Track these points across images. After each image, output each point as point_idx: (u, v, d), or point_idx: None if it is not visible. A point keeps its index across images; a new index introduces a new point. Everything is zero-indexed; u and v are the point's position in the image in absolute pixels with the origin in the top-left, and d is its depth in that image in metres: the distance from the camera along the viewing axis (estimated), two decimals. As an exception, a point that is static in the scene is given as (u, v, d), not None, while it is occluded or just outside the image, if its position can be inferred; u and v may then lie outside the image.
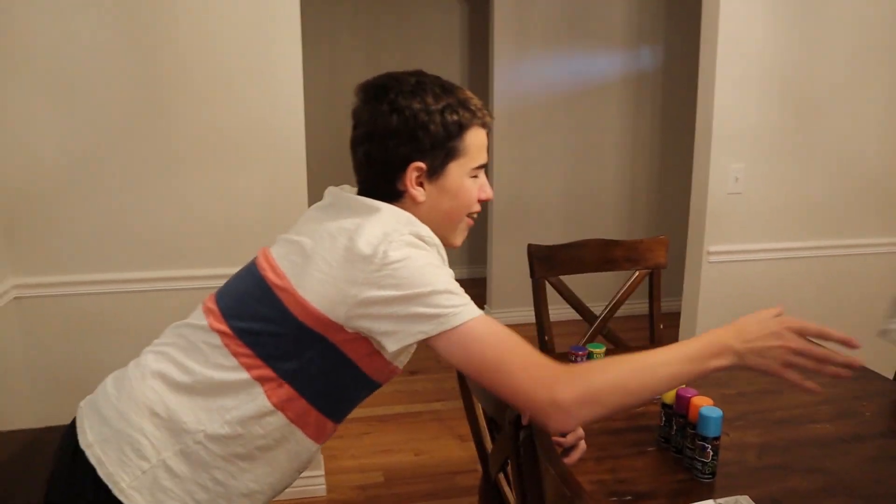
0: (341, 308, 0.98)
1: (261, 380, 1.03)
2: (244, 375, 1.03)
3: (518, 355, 0.97)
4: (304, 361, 1.03)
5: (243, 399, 1.03)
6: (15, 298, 2.08)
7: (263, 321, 1.03)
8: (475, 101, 1.11)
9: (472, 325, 0.97)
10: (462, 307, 0.97)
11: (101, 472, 1.01)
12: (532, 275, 2.14)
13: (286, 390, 1.04)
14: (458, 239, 1.16)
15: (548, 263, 2.16)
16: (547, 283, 2.15)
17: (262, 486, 1.10)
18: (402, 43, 4.76)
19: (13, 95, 1.99)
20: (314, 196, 1.44)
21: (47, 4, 1.96)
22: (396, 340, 0.99)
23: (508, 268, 4.17)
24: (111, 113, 2.06)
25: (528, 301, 2.27)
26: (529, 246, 2.17)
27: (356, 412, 1.26)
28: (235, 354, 1.03)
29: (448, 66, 4.84)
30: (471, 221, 1.16)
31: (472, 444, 1.63)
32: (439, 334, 0.96)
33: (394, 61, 4.70)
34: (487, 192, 1.14)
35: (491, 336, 0.97)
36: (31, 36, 1.97)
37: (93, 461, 1.02)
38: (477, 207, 1.14)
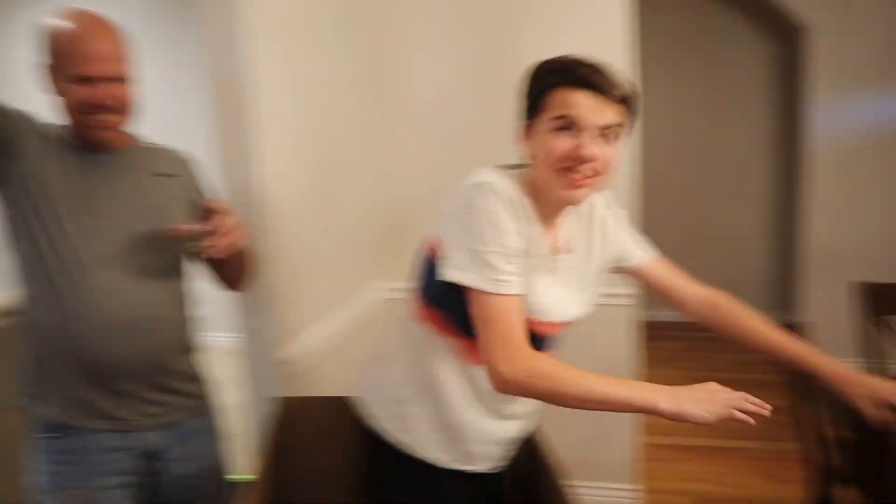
0: None
1: None
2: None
3: (503, 326, 1.13)
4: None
5: None
6: (387, 300, 2.63)
7: None
8: (584, 67, 1.14)
9: (498, 299, 1.13)
10: (498, 279, 1.13)
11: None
12: (868, 315, 2.08)
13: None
14: (564, 193, 1.18)
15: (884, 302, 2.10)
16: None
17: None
18: (707, 82, 4.85)
19: (399, 133, 2.58)
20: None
21: (424, 56, 2.52)
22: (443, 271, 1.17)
23: (827, 312, 3.98)
24: (471, 142, 2.52)
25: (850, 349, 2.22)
26: (863, 284, 2.13)
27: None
28: None
29: (755, 104, 4.80)
30: (574, 178, 1.15)
31: (784, 486, 1.68)
32: (473, 289, 1.15)
33: (698, 101, 4.84)
34: (583, 150, 1.13)
35: (501, 309, 1.13)
36: (413, 83, 2.54)
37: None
38: (564, 162, 1.14)
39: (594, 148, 1.14)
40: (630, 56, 2.32)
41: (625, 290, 2.43)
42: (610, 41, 2.34)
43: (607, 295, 2.39)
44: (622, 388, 1.09)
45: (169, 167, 1.50)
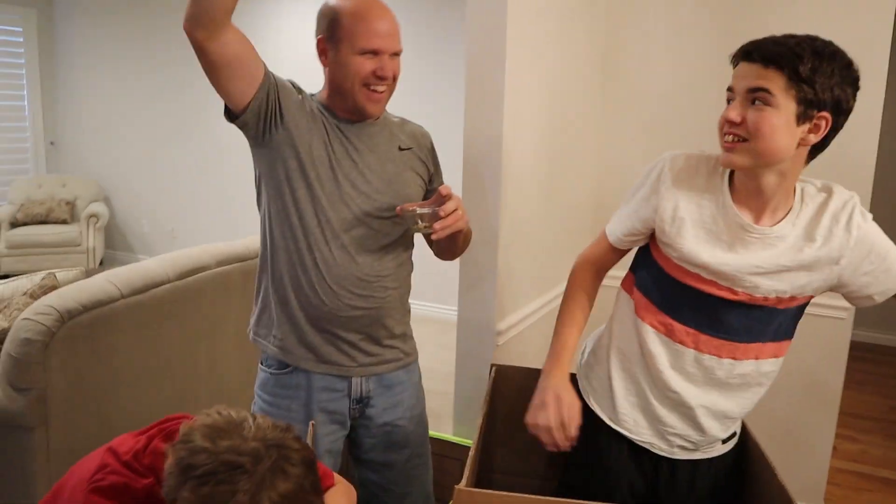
0: None
1: None
2: None
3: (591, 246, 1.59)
4: None
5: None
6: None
7: None
8: (755, 41, 1.20)
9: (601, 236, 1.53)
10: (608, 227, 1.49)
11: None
12: None
13: None
14: (722, 158, 1.27)
15: None
16: None
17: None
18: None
19: (618, 126, 2.63)
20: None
21: (649, 50, 2.53)
22: None
23: None
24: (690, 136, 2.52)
25: None
26: None
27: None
28: None
29: None
30: (724, 142, 1.24)
31: None
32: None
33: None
34: (725, 114, 1.23)
35: (599, 238, 1.54)
36: (635, 76, 2.57)
37: None
38: (722, 130, 1.25)
39: (732, 111, 1.20)
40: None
41: (839, 302, 2.35)
42: (868, 32, 2.22)
43: (820, 305, 2.35)
44: (555, 342, 1.48)
45: (411, 141, 1.64)
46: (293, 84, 1.52)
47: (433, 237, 1.47)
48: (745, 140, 1.20)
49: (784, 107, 1.16)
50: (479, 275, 1.95)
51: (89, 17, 6.54)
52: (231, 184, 6.01)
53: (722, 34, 2.45)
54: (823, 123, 1.18)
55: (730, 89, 1.23)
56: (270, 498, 0.94)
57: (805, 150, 1.22)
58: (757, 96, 1.17)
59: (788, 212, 1.28)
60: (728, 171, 1.32)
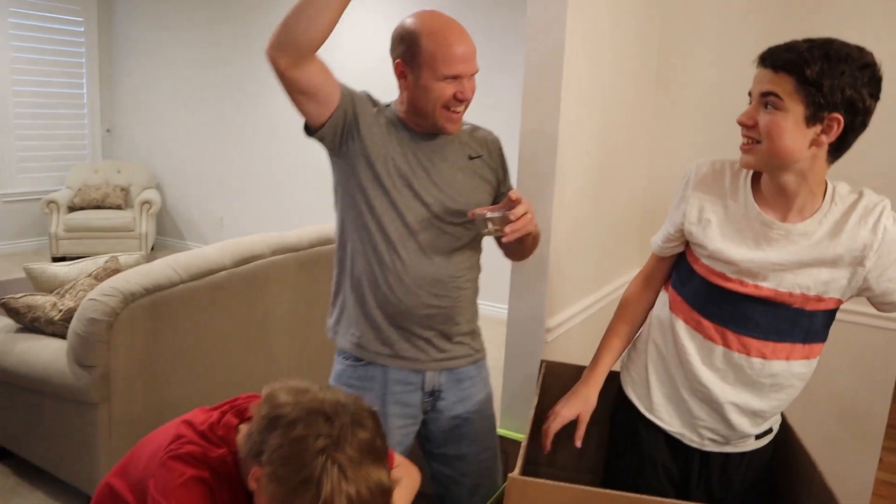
0: None
1: None
2: None
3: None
4: None
5: None
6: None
7: None
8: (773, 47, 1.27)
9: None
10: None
11: None
12: None
13: None
14: (741, 159, 1.34)
15: None
16: None
17: None
18: None
19: (670, 131, 2.62)
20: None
21: (702, 55, 2.52)
22: None
23: None
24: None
25: None
26: None
27: None
28: None
29: None
30: (742, 144, 1.31)
31: None
32: None
33: None
34: (740, 117, 1.29)
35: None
36: (687, 79, 2.57)
37: None
38: (742, 130, 1.31)
39: (744, 115, 1.28)
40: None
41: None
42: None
43: (869, 315, 2.32)
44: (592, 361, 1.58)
45: (480, 148, 1.69)
46: (369, 97, 1.58)
47: (503, 240, 1.51)
48: (758, 142, 1.26)
49: (792, 109, 1.21)
50: (530, 272, 1.98)
51: (147, 8, 6.72)
52: (279, 174, 6.13)
53: (772, 40, 2.43)
54: (836, 124, 1.21)
55: (750, 94, 1.29)
56: (351, 444, 1.02)
57: (823, 151, 1.25)
58: (768, 100, 1.23)
59: (816, 211, 1.31)
60: (751, 174, 1.38)
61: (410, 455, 1.70)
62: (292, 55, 1.32)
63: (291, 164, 6.01)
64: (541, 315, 1.98)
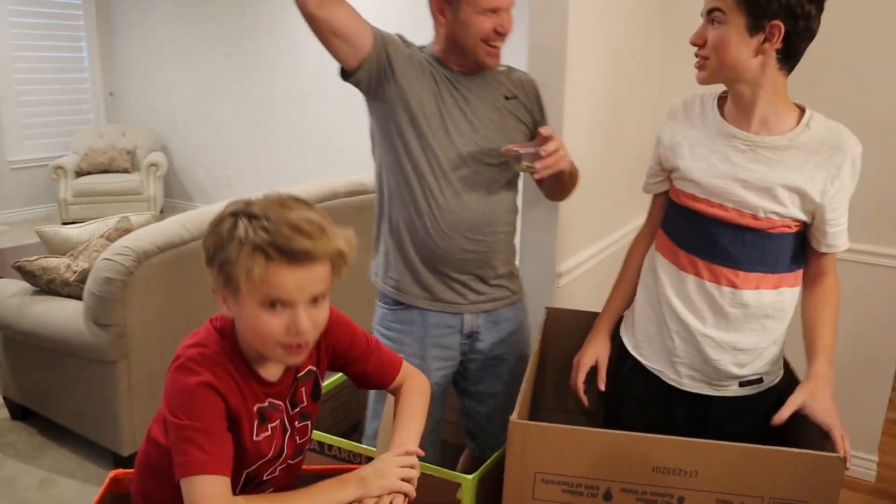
0: None
1: None
2: None
3: None
4: None
5: None
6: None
7: None
8: None
9: None
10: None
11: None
12: None
13: None
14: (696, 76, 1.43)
15: None
16: None
17: None
18: None
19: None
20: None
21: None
22: None
23: None
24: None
25: None
26: None
27: None
28: None
29: None
30: (695, 62, 1.39)
31: None
32: None
33: None
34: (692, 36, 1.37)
35: None
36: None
37: None
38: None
39: (693, 35, 1.36)
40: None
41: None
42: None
43: (879, 255, 2.32)
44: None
45: (516, 88, 1.69)
46: (402, 38, 1.59)
47: (535, 176, 1.55)
48: (705, 57, 1.35)
49: (734, 21, 1.28)
50: (540, 217, 1.98)
51: (144, -33, 6.61)
52: (285, 131, 6.10)
53: None
54: (777, 31, 1.27)
55: (701, 15, 1.36)
56: (264, 203, 1.04)
57: (771, 60, 1.31)
58: (714, 16, 1.31)
59: (787, 131, 1.36)
60: (716, 97, 1.46)
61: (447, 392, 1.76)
62: None
63: (297, 120, 5.97)
64: (551, 260, 1.99)
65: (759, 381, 1.49)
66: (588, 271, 2.26)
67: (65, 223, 5.97)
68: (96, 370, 2.44)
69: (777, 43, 1.28)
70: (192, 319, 2.57)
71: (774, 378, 1.52)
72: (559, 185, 1.71)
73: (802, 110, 1.38)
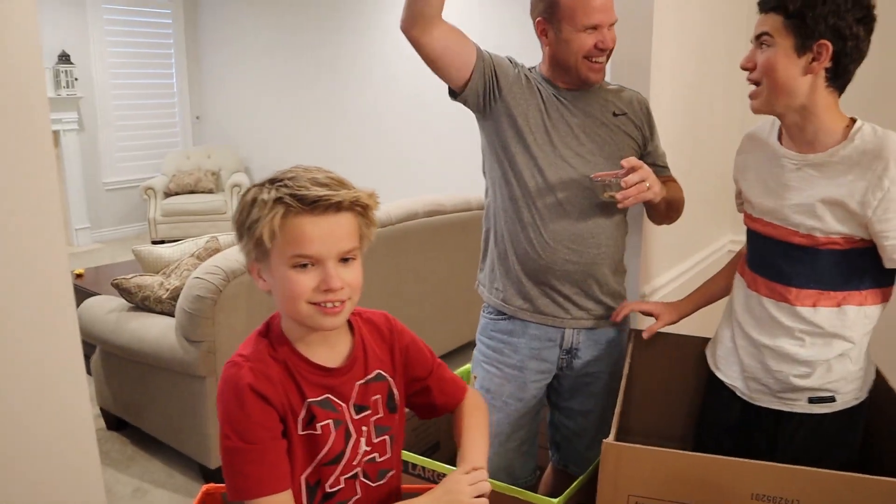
0: None
1: None
2: None
3: None
4: None
5: None
6: (728, 251, 2.66)
7: None
8: None
9: None
10: None
11: None
12: None
13: None
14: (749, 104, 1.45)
15: None
16: None
17: None
18: None
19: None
20: None
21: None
22: None
23: None
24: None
25: None
26: None
27: None
28: None
29: None
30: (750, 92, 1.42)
31: None
32: None
33: None
34: (743, 61, 1.40)
35: None
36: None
37: None
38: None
39: (743, 59, 1.38)
40: None
41: None
42: None
43: None
44: None
45: (626, 106, 1.70)
46: (511, 60, 1.65)
47: (618, 206, 1.55)
48: (759, 84, 1.36)
49: (782, 43, 1.31)
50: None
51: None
52: (363, 156, 6.23)
53: None
54: (824, 51, 1.28)
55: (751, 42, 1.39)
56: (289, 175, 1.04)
57: (820, 80, 1.32)
58: (762, 40, 1.34)
59: (832, 146, 1.35)
60: (779, 124, 1.46)
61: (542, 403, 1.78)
62: (420, 23, 1.43)
63: (372, 143, 6.09)
64: (635, 281, 1.95)
65: (832, 399, 1.42)
66: (672, 292, 2.20)
67: (154, 241, 6.26)
68: (186, 385, 2.54)
69: (825, 62, 1.30)
70: (276, 336, 2.64)
71: (852, 399, 1.44)
72: (656, 212, 1.73)
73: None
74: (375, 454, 1.16)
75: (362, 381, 1.14)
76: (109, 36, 6.59)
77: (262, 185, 1.04)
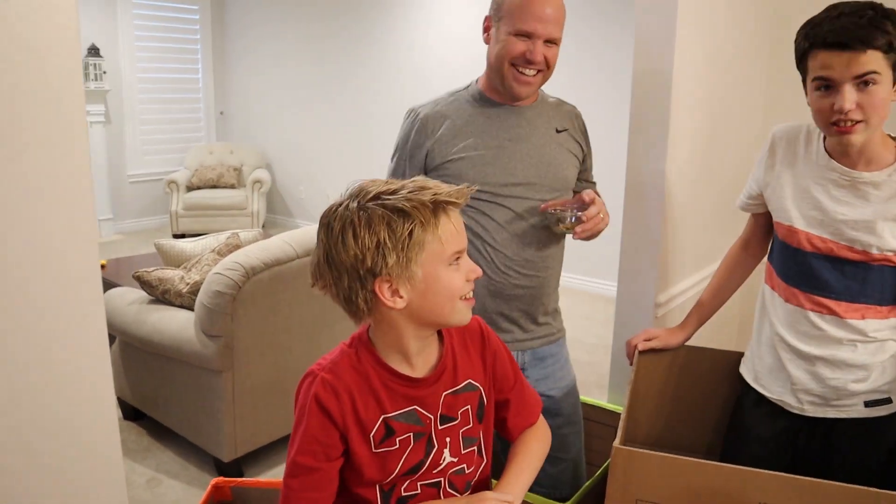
0: None
1: None
2: None
3: None
4: None
5: None
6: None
7: None
8: (829, 24, 1.28)
9: None
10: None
11: None
12: None
13: None
14: (835, 142, 1.39)
15: None
16: None
17: None
18: None
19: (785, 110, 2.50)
20: None
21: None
22: None
23: None
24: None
25: None
26: None
27: None
28: None
29: None
30: (838, 129, 1.32)
31: None
32: None
33: None
34: (838, 105, 1.28)
35: None
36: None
37: None
38: (831, 118, 1.31)
39: (847, 103, 1.27)
40: None
41: None
42: None
43: None
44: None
45: (567, 122, 1.68)
46: (422, 124, 1.65)
47: (574, 238, 1.56)
48: (861, 121, 1.29)
49: (885, 81, 1.27)
50: (641, 247, 1.95)
51: (256, -6, 6.99)
52: (383, 152, 6.26)
53: None
54: None
55: (822, 78, 1.29)
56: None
57: None
58: (867, 79, 1.26)
59: (887, 165, 1.35)
60: (817, 132, 1.44)
61: None
62: None
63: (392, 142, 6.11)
64: (650, 290, 1.96)
65: (888, 401, 1.43)
66: (686, 302, 2.20)
67: (175, 235, 6.33)
68: (203, 378, 2.57)
69: None
70: (293, 334, 2.67)
71: None
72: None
73: None
74: (463, 465, 1.13)
75: (450, 392, 1.11)
76: (138, 31, 6.68)
77: (360, 206, 1.00)
